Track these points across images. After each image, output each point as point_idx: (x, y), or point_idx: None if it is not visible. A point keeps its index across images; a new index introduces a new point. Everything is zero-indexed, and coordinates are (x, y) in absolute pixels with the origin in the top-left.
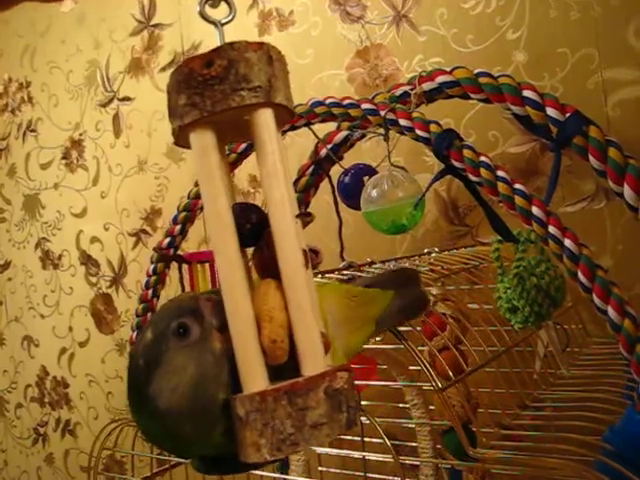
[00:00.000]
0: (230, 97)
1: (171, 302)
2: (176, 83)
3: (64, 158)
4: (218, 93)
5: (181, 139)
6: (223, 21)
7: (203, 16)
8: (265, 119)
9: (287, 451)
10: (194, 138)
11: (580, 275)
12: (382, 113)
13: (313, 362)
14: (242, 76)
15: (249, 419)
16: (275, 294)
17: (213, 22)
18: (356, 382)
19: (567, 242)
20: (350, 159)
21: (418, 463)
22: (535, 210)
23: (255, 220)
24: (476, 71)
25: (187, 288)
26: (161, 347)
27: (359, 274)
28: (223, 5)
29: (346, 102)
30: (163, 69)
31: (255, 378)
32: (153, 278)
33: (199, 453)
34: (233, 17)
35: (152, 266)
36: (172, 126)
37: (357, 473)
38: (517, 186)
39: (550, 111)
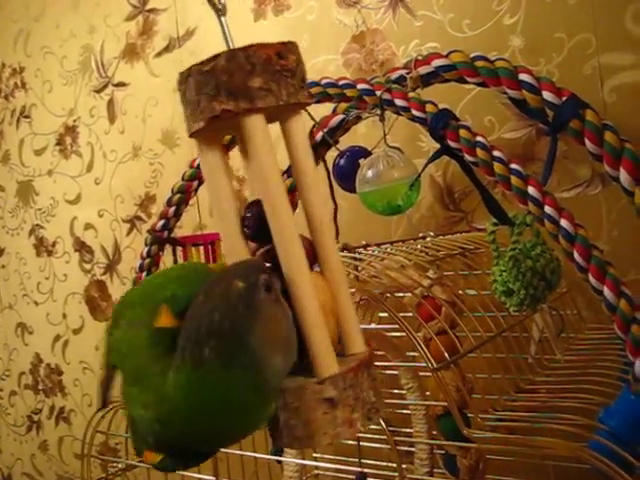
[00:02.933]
0: (299, 93)
1: (240, 262)
2: (249, 64)
3: (58, 144)
4: (290, 86)
5: (225, 119)
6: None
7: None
8: (302, 121)
9: (374, 419)
10: (256, 121)
11: (576, 255)
12: (378, 93)
13: (360, 340)
14: (303, 75)
15: (342, 397)
16: (327, 288)
17: (217, 10)
18: None
19: (563, 222)
20: (345, 143)
21: (413, 449)
22: (531, 190)
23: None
24: (472, 55)
25: None
26: (257, 296)
27: (353, 255)
28: None
29: (342, 82)
30: (158, 54)
31: (332, 362)
32: (147, 260)
33: (243, 433)
34: (225, 12)
35: (146, 248)
36: (227, 106)
37: (351, 459)
38: (513, 166)
39: (546, 95)
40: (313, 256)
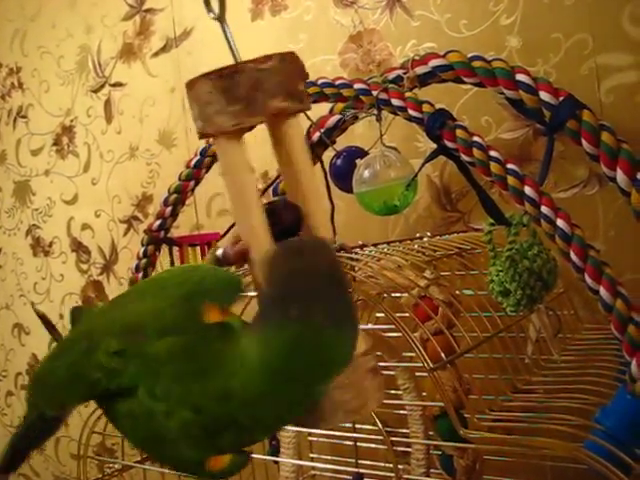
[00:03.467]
0: (309, 100)
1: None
2: (297, 68)
3: (55, 144)
4: (306, 91)
5: (280, 117)
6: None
7: (206, 5)
8: (298, 124)
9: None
10: (298, 121)
11: (572, 255)
12: (375, 93)
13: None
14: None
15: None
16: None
17: (219, 19)
18: None
19: (560, 222)
20: (342, 143)
21: (409, 449)
22: (528, 190)
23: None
24: (469, 55)
25: None
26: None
27: (350, 256)
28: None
29: (339, 82)
30: (155, 54)
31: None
32: (144, 261)
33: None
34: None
35: (143, 249)
36: (285, 105)
37: (349, 459)
38: (510, 166)
39: (543, 95)
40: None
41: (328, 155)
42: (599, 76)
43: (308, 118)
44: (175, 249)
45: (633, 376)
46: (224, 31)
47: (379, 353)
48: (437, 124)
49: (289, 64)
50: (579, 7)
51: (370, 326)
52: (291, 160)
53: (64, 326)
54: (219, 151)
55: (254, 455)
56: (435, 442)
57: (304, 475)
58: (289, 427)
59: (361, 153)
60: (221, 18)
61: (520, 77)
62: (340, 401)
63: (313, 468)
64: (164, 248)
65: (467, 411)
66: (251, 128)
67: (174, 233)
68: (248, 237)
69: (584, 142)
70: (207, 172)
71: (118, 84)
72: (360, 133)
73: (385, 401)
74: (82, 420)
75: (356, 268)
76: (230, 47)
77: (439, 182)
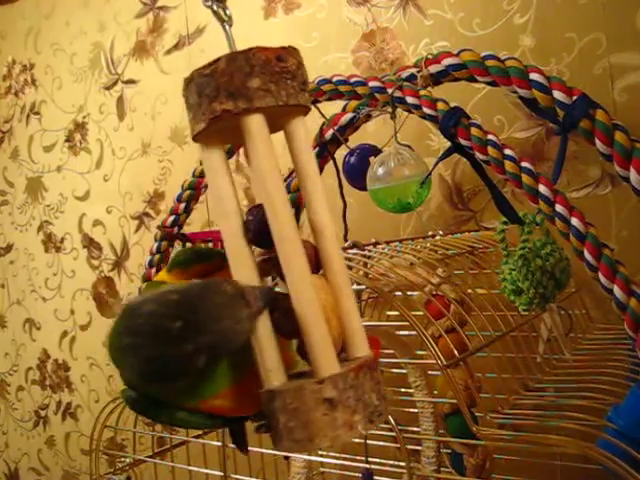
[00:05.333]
0: (299, 95)
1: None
2: (248, 65)
3: (67, 141)
4: (290, 87)
5: (226, 120)
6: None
7: (214, 12)
8: (305, 125)
9: (377, 422)
10: (255, 120)
11: (586, 253)
12: (389, 91)
13: (364, 344)
14: (304, 79)
15: (342, 398)
16: (329, 290)
17: (222, 20)
18: None
19: (574, 220)
20: (355, 141)
21: (419, 447)
22: (542, 188)
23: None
24: (483, 54)
25: None
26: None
27: (363, 253)
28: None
29: (353, 80)
30: (168, 52)
31: (332, 362)
32: (157, 256)
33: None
34: (231, 23)
35: (156, 244)
36: (227, 106)
37: (358, 457)
38: (524, 164)
39: (557, 94)
40: (317, 261)
41: (341, 153)
42: (613, 75)
43: (322, 115)
44: (188, 245)
45: None
46: (227, 34)
47: (390, 350)
48: (451, 122)
49: (241, 62)
50: (593, 6)
51: (382, 323)
52: (249, 161)
53: (75, 322)
54: (200, 156)
55: (264, 450)
56: (446, 439)
57: (313, 472)
58: None
59: (374, 151)
60: (229, 22)
61: (534, 76)
62: (285, 427)
63: (322, 465)
64: (177, 244)
65: (478, 409)
66: (236, 138)
67: (186, 230)
68: (225, 241)
69: (597, 141)
70: None
71: (131, 81)
72: (373, 131)
73: (396, 398)
74: (93, 415)
75: (369, 265)
76: (230, 48)
77: (451, 181)
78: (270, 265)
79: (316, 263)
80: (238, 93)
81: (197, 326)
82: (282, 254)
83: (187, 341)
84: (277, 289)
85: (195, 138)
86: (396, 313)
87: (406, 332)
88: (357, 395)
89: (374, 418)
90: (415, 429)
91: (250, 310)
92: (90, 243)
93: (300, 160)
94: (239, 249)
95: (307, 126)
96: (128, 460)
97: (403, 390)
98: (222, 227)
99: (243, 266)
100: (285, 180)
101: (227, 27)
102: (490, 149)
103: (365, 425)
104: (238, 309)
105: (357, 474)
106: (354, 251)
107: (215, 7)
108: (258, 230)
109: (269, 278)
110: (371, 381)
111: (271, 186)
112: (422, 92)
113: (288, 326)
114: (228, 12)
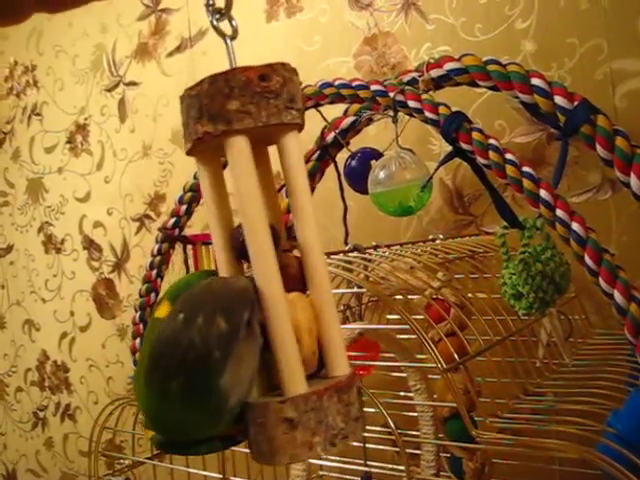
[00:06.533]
0: (284, 112)
1: (229, 291)
2: (227, 87)
3: (69, 142)
4: (273, 107)
5: (208, 141)
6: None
7: (215, 28)
8: (297, 141)
9: (340, 445)
10: (235, 142)
11: (587, 258)
12: (391, 94)
13: (343, 363)
14: (292, 96)
15: (302, 419)
16: (309, 307)
17: (223, 35)
18: (363, 363)
19: (574, 225)
20: (356, 145)
21: (418, 451)
22: (543, 193)
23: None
24: (485, 58)
25: (191, 269)
26: (235, 339)
27: (364, 256)
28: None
29: (355, 83)
30: (170, 54)
31: (298, 383)
32: (157, 258)
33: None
34: (236, 36)
35: (157, 246)
36: (207, 129)
37: (357, 460)
38: (525, 169)
39: (558, 99)
40: (302, 277)
41: (342, 156)
42: (614, 81)
43: (324, 118)
44: (189, 247)
45: None
46: (228, 48)
47: (389, 354)
48: (453, 126)
49: (221, 84)
50: (594, 12)
51: (383, 326)
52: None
53: (74, 323)
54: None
55: None
56: (447, 442)
57: (312, 475)
58: None
59: (376, 154)
60: (234, 36)
61: (535, 81)
62: (254, 439)
63: (321, 468)
64: (178, 246)
65: (478, 413)
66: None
67: (187, 232)
68: (216, 253)
69: (598, 147)
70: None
71: (132, 83)
72: (374, 135)
73: (396, 401)
74: (91, 417)
75: (369, 268)
76: (230, 63)
77: (452, 185)
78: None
79: (301, 279)
80: (218, 115)
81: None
82: (257, 274)
83: (223, 373)
84: None
85: (188, 154)
86: (396, 317)
87: (406, 336)
88: (318, 417)
89: (336, 441)
90: (414, 433)
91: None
92: (90, 245)
93: (291, 176)
94: (227, 263)
95: (299, 141)
96: (127, 462)
97: (403, 394)
98: (213, 240)
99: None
100: (279, 190)
101: (228, 41)
102: (491, 153)
103: (325, 447)
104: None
105: (356, 477)
106: (354, 254)
107: (215, 22)
108: (240, 244)
109: None
110: (338, 404)
111: (248, 207)
112: (424, 96)
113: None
114: (234, 23)
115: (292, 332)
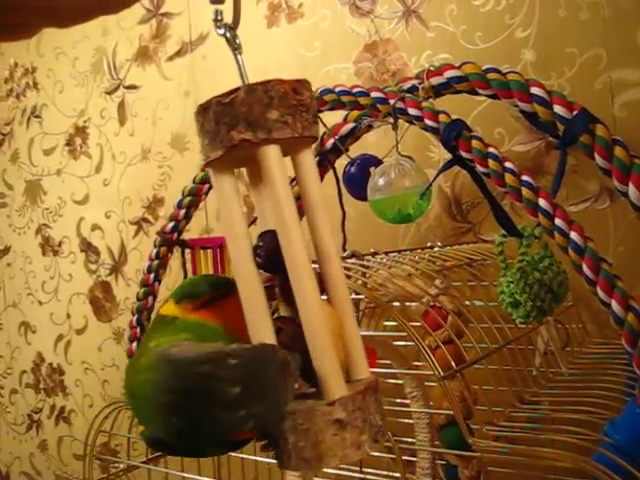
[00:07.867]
0: (312, 127)
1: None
2: (267, 97)
3: (68, 145)
4: (305, 120)
5: (243, 149)
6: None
7: (228, 41)
8: (312, 154)
9: (381, 441)
10: (273, 151)
11: (585, 268)
12: (392, 102)
13: (365, 367)
14: (315, 111)
15: (350, 419)
16: (334, 314)
17: (235, 49)
18: None
19: (573, 235)
20: (355, 152)
21: (414, 459)
22: (542, 202)
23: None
24: (484, 67)
25: (189, 274)
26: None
27: (361, 262)
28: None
29: (355, 90)
30: (170, 58)
31: (341, 385)
32: (155, 262)
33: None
34: (241, 52)
35: (155, 250)
36: (246, 136)
37: (353, 467)
38: (524, 178)
39: (557, 108)
40: (320, 286)
41: (341, 163)
42: (613, 91)
43: (324, 125)
44: (187, 251)
45: None
46: (238, 62)
47: (386, 360)
48: (453, 134)
49: (260, 94)
50: (594, 22)
51: (379, 333)
52: (266, 189)
53: (70, 326)
54: (212, 180)
55: (259, 458)
56: (443, 450)
57: None
58: None
59: (375, 161)
60: (239, 50)
61: (534, 90)
62: (294, 446)
63: (316, 475)
64: (176, 250)
65: (474, 421)
66: (247, 163)
67: (185, 236)
68: (234, 263)
69: (597, 156)
70: None
71: (132, 86)
72: (374, 142)
73: (391, 408)
74: (86, 420)
75: (367, 275)
76: (241, 76)
77: (450, 192)
78: (272, 291)
79: (320, 289)
80: (257, 124)
81: (254, 394)
82: (295, 280)
83: (241, 407)
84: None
85: (209, 164)
86: (393, 323)
87: (403, 343)
88: (364, 416)
89: (379, 437)
90: (410, 440)
91: (293, 378)
92: (88, 247)
93: (309, 190)
94: (248, 272)
95: (313, 155)
96: (122, 466)
97: (399, 401)
98: (232, 250)
99: (251, 289)
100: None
101: (238, 56)
102: (491, 162)
103: (371, 444)
104: (286, 378)
105: None
106: (352, 261)
107: (228, 35)
108: (269, 256)
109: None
110: (375, 403)
111: (287, 215)
112: (424, 104)
113: (294, 349)
114: (238, 41)
115: (330, 337)
